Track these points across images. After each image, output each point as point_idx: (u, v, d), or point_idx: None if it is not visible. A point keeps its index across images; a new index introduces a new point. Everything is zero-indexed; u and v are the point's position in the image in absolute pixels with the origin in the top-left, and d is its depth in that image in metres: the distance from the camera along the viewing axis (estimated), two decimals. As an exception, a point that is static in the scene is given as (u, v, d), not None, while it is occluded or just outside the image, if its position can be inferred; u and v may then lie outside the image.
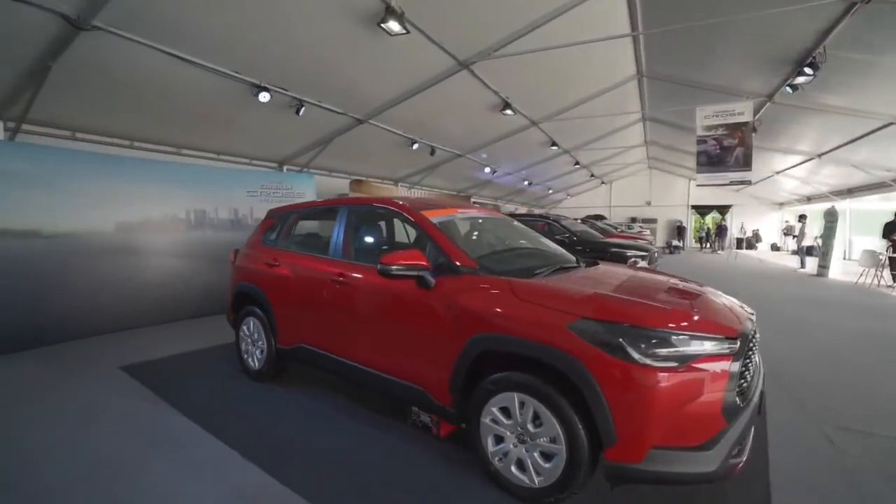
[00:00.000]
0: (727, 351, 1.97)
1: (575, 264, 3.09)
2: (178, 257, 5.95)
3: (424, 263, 2.51)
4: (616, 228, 15.78)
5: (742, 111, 9.55)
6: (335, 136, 8.85)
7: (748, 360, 2.11)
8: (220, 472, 2.47)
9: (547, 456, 2.11)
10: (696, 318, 2.07)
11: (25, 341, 4.63)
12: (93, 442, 2.80)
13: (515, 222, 3.72)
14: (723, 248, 20.65)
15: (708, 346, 1.95)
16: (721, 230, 21.11)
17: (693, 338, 1.94)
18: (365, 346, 2.94)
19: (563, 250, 3.49)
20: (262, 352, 3.71)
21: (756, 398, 2.16)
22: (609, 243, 8.11)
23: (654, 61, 9.19)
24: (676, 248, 20.46)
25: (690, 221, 23.27)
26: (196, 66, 5.47)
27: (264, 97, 6.39)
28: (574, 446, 2.01)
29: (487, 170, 14.16)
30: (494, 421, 2.27)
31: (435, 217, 2.90)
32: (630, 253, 7.78)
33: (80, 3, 4.19)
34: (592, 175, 19.87)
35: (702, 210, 22.64)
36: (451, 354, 2.38)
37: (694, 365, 1.89)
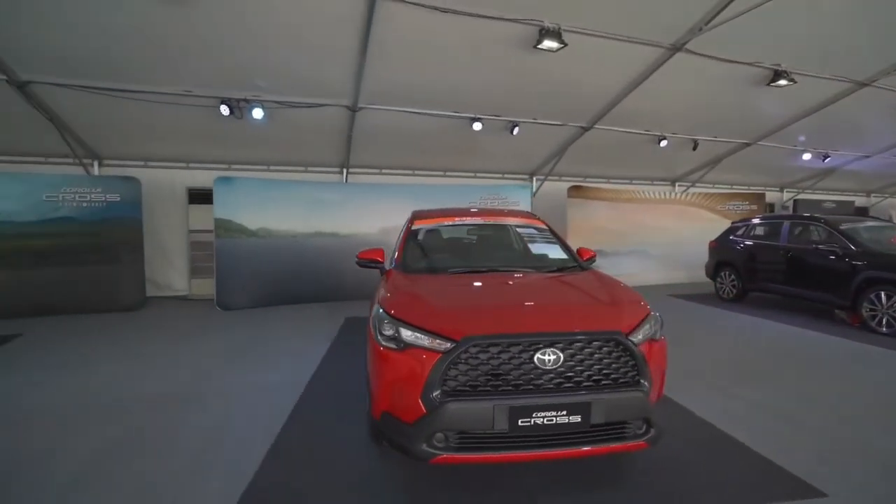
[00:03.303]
0: (439, 348, 2.17)
1: (533, 270, 3.25)
2: (412, 251, 8.54)
3: (379, 259, 3.52)
4: None
5: None
6: (567, 144, 9.46)
7: (480, 363, 2.16)
8: (294, 370, 4.32)
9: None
10: (433, 315, 2.35)
11: (318, 297, 8.03)
12: (285, 345, 5.29)
13: (516, 229, 3.83)
14: None
15: (426, 341, 2.23)
16: None
17: (409, 328, 2.29)
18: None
19: (552, 255, 3.46)
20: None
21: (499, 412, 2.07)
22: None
23: None
24: None
25: None
26: (422, 114, 7.72)
27: (477, 126, 8.05)
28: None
29: (808, 156, 10.57)
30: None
31: (420, 224, 3.77)
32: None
33: (350, 97, 7.12)
34: None
35: None
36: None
37: (407, 351, 2.22)
